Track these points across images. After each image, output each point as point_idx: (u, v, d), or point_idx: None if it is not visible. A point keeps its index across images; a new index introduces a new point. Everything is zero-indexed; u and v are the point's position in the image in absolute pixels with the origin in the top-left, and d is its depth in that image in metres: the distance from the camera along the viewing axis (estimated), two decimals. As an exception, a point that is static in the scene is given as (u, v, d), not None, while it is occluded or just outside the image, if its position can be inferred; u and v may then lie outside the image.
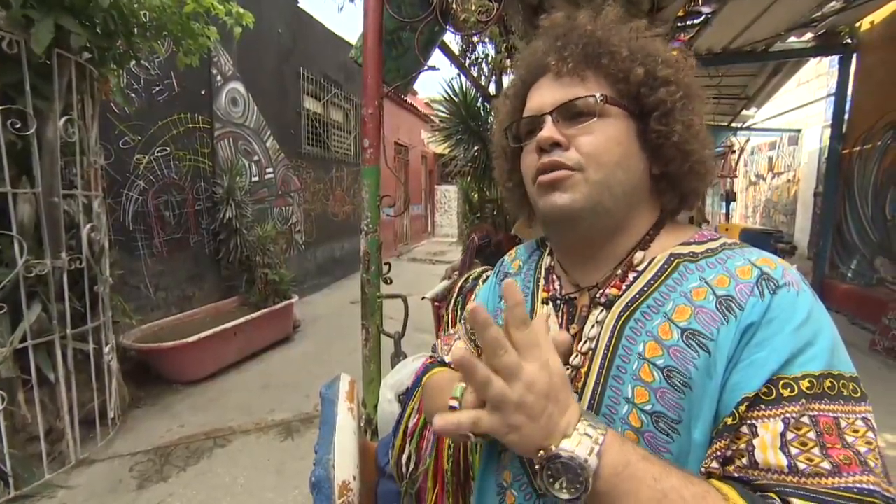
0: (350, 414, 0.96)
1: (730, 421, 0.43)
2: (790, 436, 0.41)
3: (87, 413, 2.44)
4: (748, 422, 0.42)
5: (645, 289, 0.52)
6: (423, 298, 3.19)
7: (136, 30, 2.48)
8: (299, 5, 5.81)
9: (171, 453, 2.47)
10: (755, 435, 0.42)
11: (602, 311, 0.54)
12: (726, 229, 7.54)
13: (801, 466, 0.40)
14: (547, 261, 0.66)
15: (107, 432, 2.56)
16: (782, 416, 0.41)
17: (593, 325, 0.54)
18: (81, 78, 2.31)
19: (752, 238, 6.15)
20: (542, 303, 0.62)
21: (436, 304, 3.12)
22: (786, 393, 0.42)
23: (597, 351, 0.53)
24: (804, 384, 0.42)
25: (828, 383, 0.42)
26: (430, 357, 0.79)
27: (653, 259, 0.54)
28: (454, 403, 0.49)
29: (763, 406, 0.42)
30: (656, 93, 0.53)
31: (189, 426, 2.76)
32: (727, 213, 8.88)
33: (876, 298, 4.17)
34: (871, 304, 4.22)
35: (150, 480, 2.24)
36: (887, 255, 4.21)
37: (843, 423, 0.41)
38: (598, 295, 0.56)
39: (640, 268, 0.54)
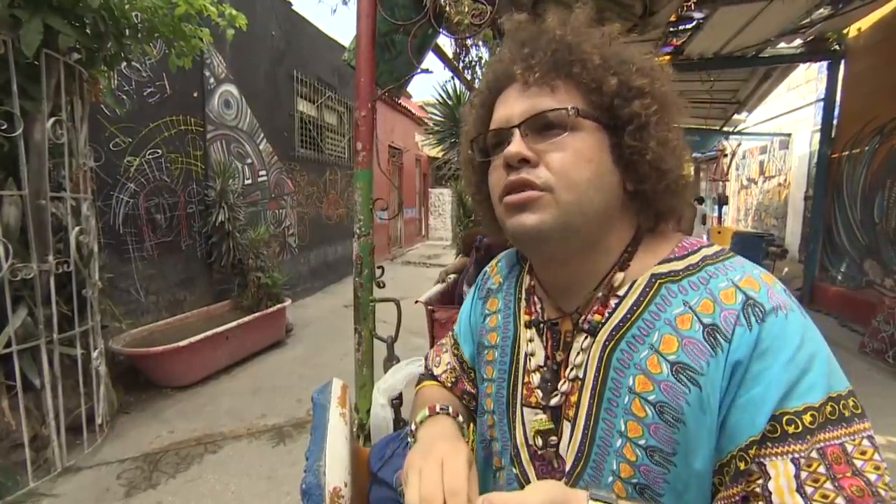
0: (342, 419, 0.95)
1: (742, 466, 0.42)
2: (803, 475, 0.40)
3: (74, 419, 2.39)
4: (756, 460, 0.42)
5: (628, 315, 0.50)
6: (416, 302, 3.18)
7: (126, 31, 2.46)
8: (293, 8, 5.80)
9: (160, 460, 2.43)
10: (766, 475, 0.41)
11: (586, 337, 0.53)
12: (718, 232, 7.63)
13: None
14: (527, 280, 0.64)
15: (94, 439, 2.51)
16: (791, 456, 0.40)
17: (578, 353, 0.53)
18: (70, 79, 2.28)
19: (745, 241, 6.23)
20: (525, 326, 0.60)
21: (429, 307, 3.11)
22: (790, 430, 0.41)
23: (585, 380, 0.52)
24: (807, 419, 0.41)
25: (829, 409, 0.41)
26: (425, 367, 0.81)
27: (634, 282, 0.52)
28: (413, 427, 0.60)
29: (769, 444, 0.41)
30: (630, 105, 0.50)
31: (179, 432, 2.72)
32: (719, 217, 8.98)
33: (865, 301, 4.22)
34: (860, 306, 4.27)
35: (138, 488, 2.19)
36: (876, 258, 4.26)
37: (849, 448, 0.40)
38: (580, 321, 0.54)
39: (620, 292, 0.52)
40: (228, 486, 2.22)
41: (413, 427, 0.60)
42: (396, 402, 1.41)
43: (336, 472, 0.84)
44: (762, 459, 0.41)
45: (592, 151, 0.50)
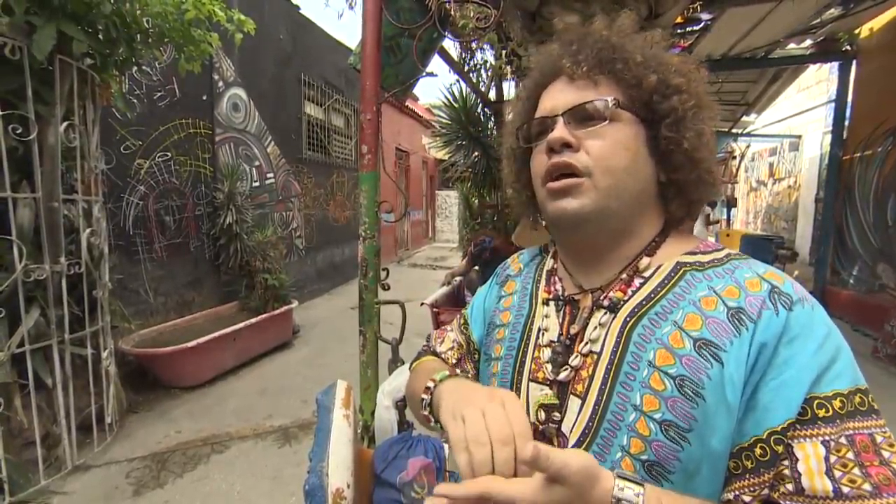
0: (345, 421, 0.95)
1: (780, 449, 0.42)
2: (832, 459, 0.41)
3: (85, 418, 2.43)
4: (784, 442, 0.42)
5: (652, 295, 0.52)
6: (421, 304, 3.19)
7: (137, 36, 2.50)
8: (300, 11, 5.85)
9: (167, 459, 2.45)
10: (794, 456, 0.42)
11: (605, 313, 0.54)
12: (727, 235, 7.54)
13: (846, 490, 0.40)
14: (549, 263, 0.67)
15: (104, 438, 2.54)
16: (821, 439, 0.41)
17: (596, 328, 0.54)
18: (83, 83, 2.32)
19: (754, 244, 6.14)
20: (543, 303, 0.62)
21: (434, 309, 3.12)
22: (821, 413, 0.42)
23: (602, 355, 0.52)
24: (836, 403, 0.42)
25: (858, 399, 0.42)
26: (425, 345, 0.82)
27: (659, 266, 0.54)
28: (431, 384, 0.59)
29: (798, 426, 0.42)
30: (668, 100, 0.53)
31: (186, 432, 2.75)
32: (728, 219, 8.87)
33: (878, 305, 4.15)
34: (872, 310, 4.20)
35: (147, 487, 2.22)
36: (889, 262, 4.19)
37: (879, 438, 0.41)
38: (601, 297, 0.56)
39: (646, 273, 0.54)
40: (234, 487, 2.24)
41: (431, 385, 0.59)
42: (401, 404, 1.41)
43: (339, 473, 0.84)
44: (790, 441, 0.42)
45: (629, 141, 0.53)
